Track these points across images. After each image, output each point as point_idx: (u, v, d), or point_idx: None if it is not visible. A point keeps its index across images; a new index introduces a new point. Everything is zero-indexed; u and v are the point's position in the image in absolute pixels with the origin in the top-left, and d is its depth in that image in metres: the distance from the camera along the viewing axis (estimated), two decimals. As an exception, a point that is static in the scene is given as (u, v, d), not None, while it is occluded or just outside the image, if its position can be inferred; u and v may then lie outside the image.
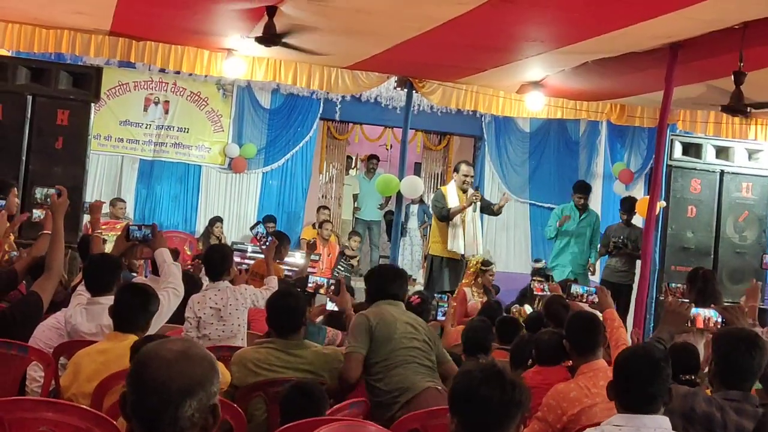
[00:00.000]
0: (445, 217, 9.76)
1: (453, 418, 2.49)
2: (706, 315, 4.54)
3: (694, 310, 4.53)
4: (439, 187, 12.17)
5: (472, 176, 10.16)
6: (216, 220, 12.43)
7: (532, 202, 13.95)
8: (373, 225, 14.06)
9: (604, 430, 3.21)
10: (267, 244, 6.71)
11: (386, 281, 4.79)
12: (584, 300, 5.42)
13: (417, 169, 15.21)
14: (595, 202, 13.14)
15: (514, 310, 8.21)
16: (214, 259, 5.81)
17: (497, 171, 13.83)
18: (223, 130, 12.94)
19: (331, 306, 6.32)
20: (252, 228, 7.38)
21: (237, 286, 5.82)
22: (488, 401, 2.43)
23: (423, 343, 4.61)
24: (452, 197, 9.92)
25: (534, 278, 9.66)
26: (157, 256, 5.15)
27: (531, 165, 13.96)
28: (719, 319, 4.49)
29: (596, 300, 5.23)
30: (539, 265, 11.88)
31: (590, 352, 4.39)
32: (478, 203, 10.01)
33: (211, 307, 5.53)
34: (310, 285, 5.50)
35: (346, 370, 4.48)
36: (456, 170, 10.24)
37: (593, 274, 10.97)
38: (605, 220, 11.90)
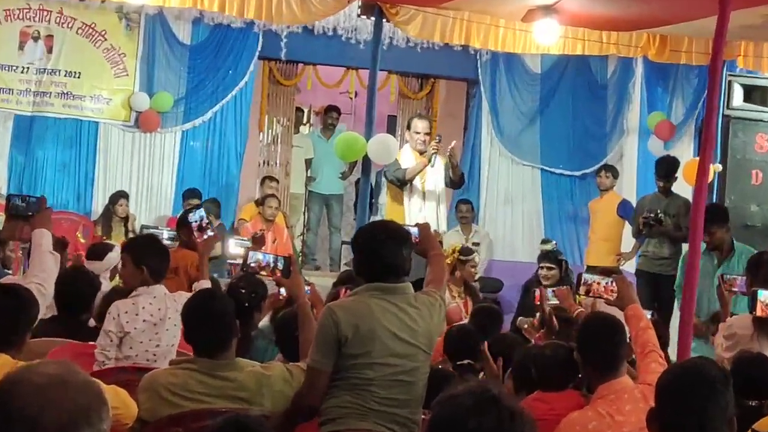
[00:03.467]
0: (401, 180, 9.95)
1: None
2: None
3: (760, 294, 4.54)
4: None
5: (428, 134, 10.27)
6: (119, 196, 12.29)
7: (544, 167, 13.97)
8: (332, 200, 13.96)
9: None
10: (210, 233, 6.68)
11: (376, 247, 4.56)
12: (600, 291, 5.42)
13: (391, 125, 15.16)
14: (629, 167, 13.30)
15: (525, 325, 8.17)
16: (151, 253, 5.77)
17: (497, 127, 13.83)
18: (127, 75, 12.84)
19: (284, 291, 6.28)
20: (189, 211, 7.29)
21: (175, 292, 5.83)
22: None
23: (406, 373, 4.47)
24: (407, 162, 10.05)
25: (542, 265, 9.72)
26: (34, 237, 5.17)
27: (542, 118, 13.97)
28: None
29: (615, 291, 5.26)
30: (548, 246, 11.94)
31: (610, 368, 4.43)
32: (439, 158, 10.07)
33: (144, 320, 5.53)
34: (251, 264, 5.42)
35: (305, 391, 4.48)
36: (408, 127, 10.38)
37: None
38: (642, 191, 11.84)
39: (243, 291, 6.05)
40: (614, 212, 11.66)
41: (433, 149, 10.02)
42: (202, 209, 7.03)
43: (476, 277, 10.44)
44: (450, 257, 9.33)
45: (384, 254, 4.53)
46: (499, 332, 6.83)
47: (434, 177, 10.10)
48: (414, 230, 5.00)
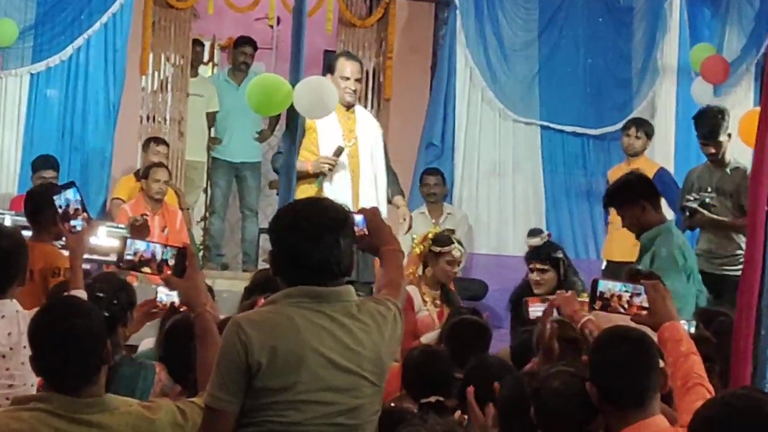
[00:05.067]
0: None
1: None
2: None
3: None
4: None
5: (358, 79, 10.52)
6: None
7: (546, 123, 14.11)
8: (245, 171, 14.11)
9: None
10: (82, 224, 6.67)
11: (300, 236, 4.55)
12: (624, 306, 5.36)
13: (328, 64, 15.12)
14: (665, 121, 13.25)
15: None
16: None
17: (481, 67, 13.98)
18: (-50, -7, 12.53)
19: (164, 296, 6.49)
20: (55, 193, 7.22)
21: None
22: None
23: (346, 414, 4.50)
24: (327, 124, 10.30)
25: (532, 265, 9.63)
26: None
27: (543, 54, 14.15)
28: None
29: (646, 305, 5.23)
30: (536, 241, 11.93)
31: (637, 404, 4.55)
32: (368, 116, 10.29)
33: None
34: (128, 257, 5.21)
35: None
36: (330, 70, 10.45)
37: None
38: (684, 156, 11.73)
39: (101, 295, 5.95)
40: (647, 186, 11.55)
41: (326, 164, 10.39)
42: (74, 189, 6.92)
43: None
44: (418, 247, 9.31)
45: (311, 246, 4.51)
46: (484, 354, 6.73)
47: (368, 165, 10.31)
48: (358, 218, 4.96)
